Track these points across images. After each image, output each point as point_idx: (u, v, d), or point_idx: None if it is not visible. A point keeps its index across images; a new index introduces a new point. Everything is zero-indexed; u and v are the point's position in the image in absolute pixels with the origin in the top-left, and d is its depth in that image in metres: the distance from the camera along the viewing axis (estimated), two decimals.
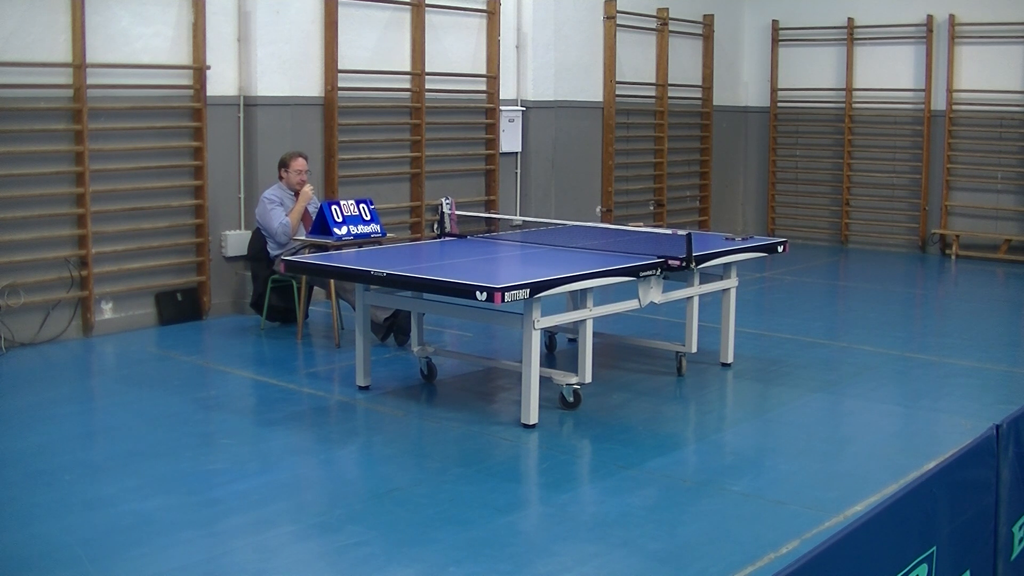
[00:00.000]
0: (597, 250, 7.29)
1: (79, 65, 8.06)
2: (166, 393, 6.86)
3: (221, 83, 9.09)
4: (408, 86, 10.53)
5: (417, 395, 6.91)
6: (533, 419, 6.09)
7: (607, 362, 7.56)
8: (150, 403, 6.65)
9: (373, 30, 10.19)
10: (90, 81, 8.15)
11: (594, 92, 12.55)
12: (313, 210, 8.50)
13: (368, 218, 8.26)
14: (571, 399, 6.46)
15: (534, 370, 6.04)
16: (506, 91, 11.49)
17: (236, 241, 9.24)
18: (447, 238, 7.86)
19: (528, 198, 11.84)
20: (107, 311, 8.55)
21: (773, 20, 14.80)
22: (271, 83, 9.33)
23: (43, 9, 7.94)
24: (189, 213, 9.02)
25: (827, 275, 12.53)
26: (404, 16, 10.44)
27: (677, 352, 7.39)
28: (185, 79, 8.87)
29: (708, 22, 14.25)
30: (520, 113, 11.65)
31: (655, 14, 13.34)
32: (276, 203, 8.46)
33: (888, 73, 14.01)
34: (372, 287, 6.66)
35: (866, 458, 5.83)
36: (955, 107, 13.51)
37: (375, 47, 10.20)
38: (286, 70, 9.41)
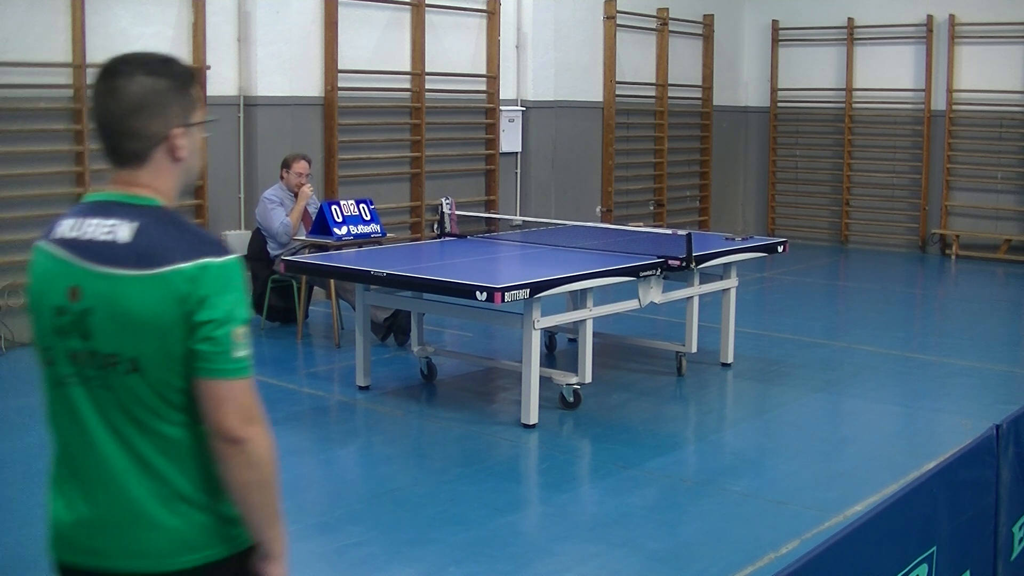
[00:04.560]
0: (597, 250, 7.29)
1: (79, 65, 8.06)
2: None
3: (221, 83, 9.09)
4: (408, 86, 10.53)
5: (417, 395, 6.91)
6: (533, 419, 6.09)
7: (607, 362, 7.56)
8: None
9: (373, 30, 10.18)
10: (90, 81, 8.13)
11: (594, 92, 12.55)
12: (313, 210, 8.49)
13: (368, 218, 8.26)
14: (571, 399, 6.46)
15: (534, 370, 6.04)
16: (506, 91, 11.49)
17: (236, 241, 9.23)
18: (447, 238, 7.86)
19: (528, 198, 11.84)
20: None
21: (773, 20, 14.80)
22: (271, 83, 9.33)
23: (43, 9, 7.94)
24: (189, 213, 9.00)
25: (827, 275, 12.53)
26: (404, 16, 10.44)
27: (677, 352, 7.39)
28: None
29: (708, 22, 14.25)
30: (520, 113, 11.65)
31: (655, 14, 13.34)
32: (276, 203, 8.46)
33: (888, 73, 14.01)
34: (372, 287, 6.66)
35: (866, 458, 5.83)
36: (955, 107, 13.51)
37: (375, 47, 10.20)
38: (286, 70, 9.41)
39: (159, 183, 2.15)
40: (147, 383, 2.06)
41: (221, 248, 2.10)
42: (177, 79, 2.15)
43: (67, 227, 2.15)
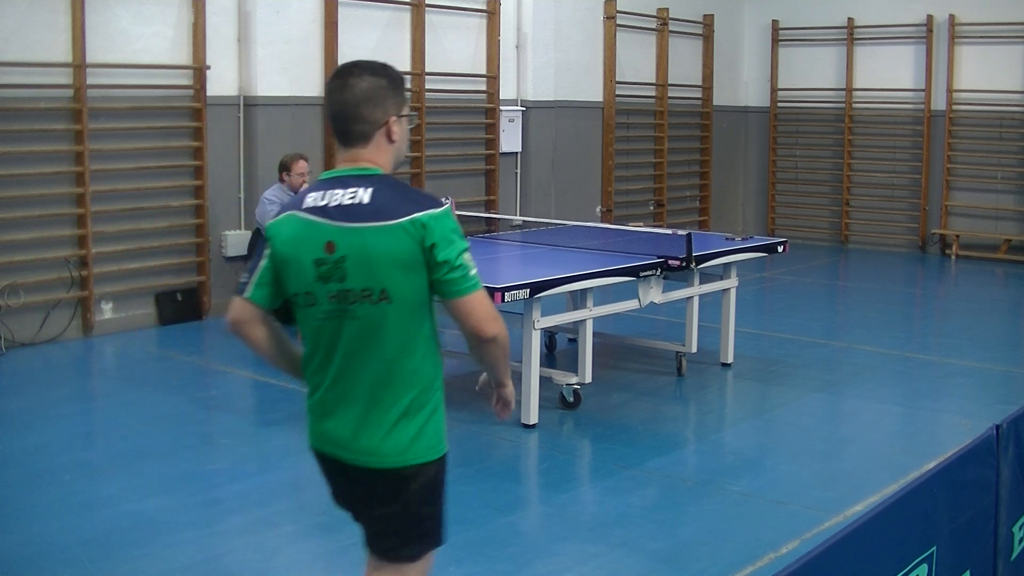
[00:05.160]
0: (597, 250, 7.29)
1: (79, 65, 8.06)
2: (166, 393, 6.86)
3: (221, 83, 9.08)
4: (408, 86, 10.48)
5: None
6: (533, 419, 6.09)
7: (607, 362, 7.56)
8: (150, 403, 6.64)
9: (373, 30, 10.18)
10: (90, 81, 8.14)
11: (594, 92, 12.55)
12: None
13: None
14: (571, 399, 6.46)
15: (534, 370, 6.04)
16: (506, 91, 11.49)
17: (236, 241, 9.23)
18: None
19: (528, 198, 11.84)
20: (107, 311, 8.55)
21: (773, 20, 14.80)
22: (271, 83, 9.32)
23: (43, 9, 7.94)
24: (189, 213, 9.02)
25: (827, 275, 12.53)
26: (404, 16, 10.44)
27: (677, 352, 7.39)
28: (185, 79, 8.87)
29: (708, 22, 14.25)
30: (520, 113, 11.65)
31: (655, 14, 13.33)
32: (276, 204, 8.44)
33: (888, 73, 14.00)
34: None
35: (866, 458, 5.83)
36: (955, 107, 13.51)
37: (375, 47, 10.19)
38: (286, 70, 9.41)
39: (379, 159, 2.82)
40: (394, 308, 2.72)
41: (437, 201, 2.74)
42: (393, 80, 2.83)
43: (314, 198, 2.79)
